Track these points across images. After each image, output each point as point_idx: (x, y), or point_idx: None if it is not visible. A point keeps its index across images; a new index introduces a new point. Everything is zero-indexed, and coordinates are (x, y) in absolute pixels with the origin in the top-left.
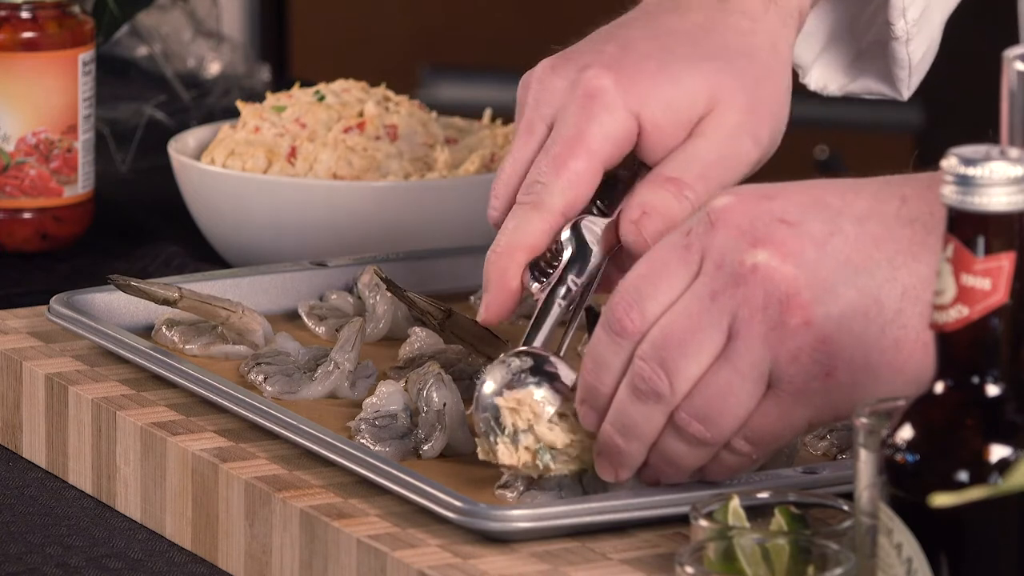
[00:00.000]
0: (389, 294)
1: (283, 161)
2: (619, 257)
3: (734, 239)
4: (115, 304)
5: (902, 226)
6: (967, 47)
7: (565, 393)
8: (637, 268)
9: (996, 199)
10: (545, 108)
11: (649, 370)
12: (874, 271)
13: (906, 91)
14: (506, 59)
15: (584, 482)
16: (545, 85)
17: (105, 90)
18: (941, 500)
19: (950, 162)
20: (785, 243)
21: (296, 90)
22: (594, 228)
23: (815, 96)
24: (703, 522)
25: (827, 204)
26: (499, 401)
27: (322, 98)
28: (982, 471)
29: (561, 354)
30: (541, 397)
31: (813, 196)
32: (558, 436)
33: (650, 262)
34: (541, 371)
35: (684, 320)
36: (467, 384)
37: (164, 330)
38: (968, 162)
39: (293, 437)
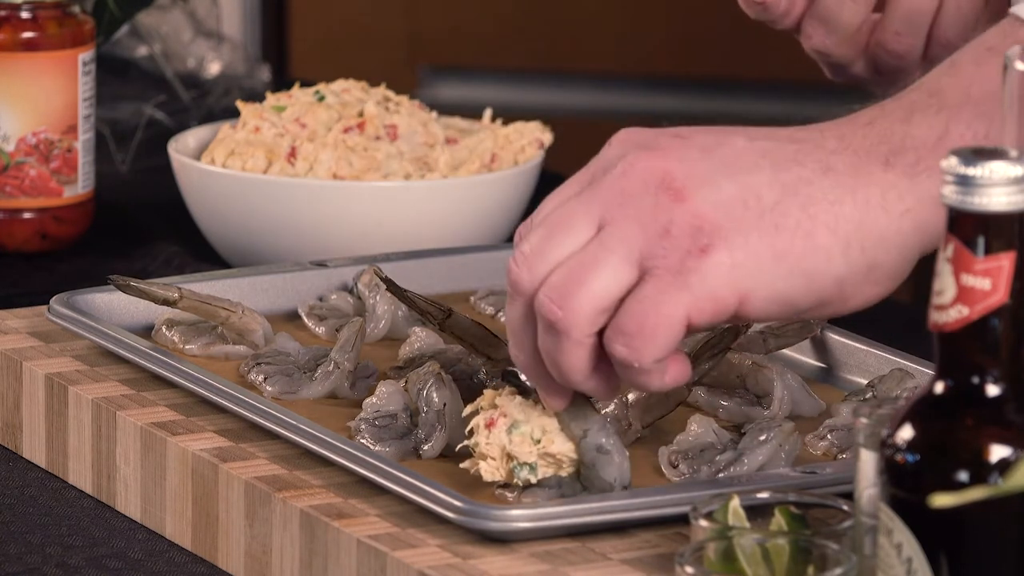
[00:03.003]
0: (389, 294)
1: (283, 161)
2: None
3: (624, 148)
4: (115, 304)
5: (791, 142)
6: None
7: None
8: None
9: (996, 199)
10: None
11: (512, 263)
12: (756, 173)
13: None
14: (506, 59)
15: (581, 479)
16: None
17: (105, 90)
18: (941, 500)
19: (950, 162)
20: (671, 148)
21: (296, 90)
22: None
23: (814, 96)
24: (703, 522)
25: (725, 129)
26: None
27: (322, 98)
28: (982, 471)
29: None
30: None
31: (718, 128)
32: (520, 448)
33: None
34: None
35: (558, 215)
36: (467, 384)
37: (164, 330)
38: (968, 162)
39: (293, 437)
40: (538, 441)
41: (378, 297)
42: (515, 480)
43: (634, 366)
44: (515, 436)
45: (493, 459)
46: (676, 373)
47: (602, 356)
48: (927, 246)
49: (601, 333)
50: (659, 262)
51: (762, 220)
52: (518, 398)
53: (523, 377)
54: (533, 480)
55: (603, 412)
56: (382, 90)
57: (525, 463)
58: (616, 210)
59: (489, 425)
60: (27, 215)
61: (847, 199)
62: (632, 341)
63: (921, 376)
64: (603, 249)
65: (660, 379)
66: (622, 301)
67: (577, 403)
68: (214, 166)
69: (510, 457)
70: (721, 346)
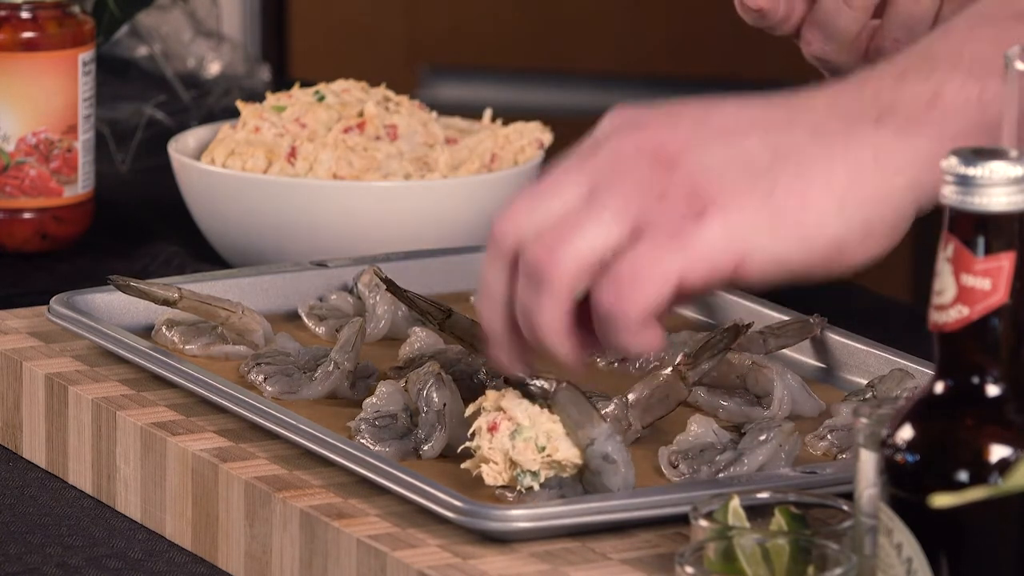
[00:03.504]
0: (389, 294)
1: (283, 161)
2: None
3: (618, 122)
4: (115, 304)
5: (782, 108)
6: None
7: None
8: None
9: (996, 199)
10: None
11: (497, 219)
12: (748, 138)
13: None
14: (506, 59)
15: (583, 481)
16: None
17: (105, 90)
18: (941, 500)
19: (950, 162)
20: (662, 123)
21: (296, 90)
22: None
23: None
24: (703, 522)
25: (716, 100)
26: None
27: (322, 98)
28: (982, 471)
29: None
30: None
31: (708, 100)
32: (524, 455)
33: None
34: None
35: (547, 180)
36: (467, 384)
37: (164, 330)
38: (968, 162)
39: (293, 437)
40: (543, 448)
41: (378, 297)
42: (519, 487)
43: (617, 319)
44: (519, 442)
45: (496, 463)
46: (651, 338)
47: (579, 322)
48: (922, 204)
49: (580, 305)
50: (654, 224)
51: (756, 183)
52: (524, 402)
53: (533, 383)
54: (536, 487)
55: (607, 418)
56: (382, 90)
57: (528, 470)
58: (609, 175)
59: (492, 429)
60: (27, 215)
61: (839, 160)
62: (622, 289)
63: (921, 376)
64: (597, 205)
65: (635, 340)
66: (607, 267)
67: (583, 410)
68: (214, 166)
69: (513, 463)
70: (721, 346)
